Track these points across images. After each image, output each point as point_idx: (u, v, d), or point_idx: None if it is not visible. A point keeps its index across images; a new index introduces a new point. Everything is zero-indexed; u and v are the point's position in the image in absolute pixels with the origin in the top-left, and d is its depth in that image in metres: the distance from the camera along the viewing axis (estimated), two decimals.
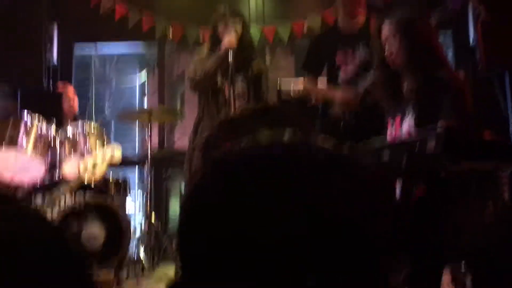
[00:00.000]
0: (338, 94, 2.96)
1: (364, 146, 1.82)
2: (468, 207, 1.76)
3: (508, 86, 4.33)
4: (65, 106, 4.26)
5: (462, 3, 2.63)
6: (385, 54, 2.28)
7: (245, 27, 3.31)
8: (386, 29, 2.29)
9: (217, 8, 3.35)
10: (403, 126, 2.19)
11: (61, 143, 3.54)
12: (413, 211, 1.77)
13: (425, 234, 1.81)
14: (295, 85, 4.34)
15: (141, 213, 5.53)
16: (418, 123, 2.09)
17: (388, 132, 2.28)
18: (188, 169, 3.29)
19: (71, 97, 4.40)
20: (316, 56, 3.23)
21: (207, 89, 3.25)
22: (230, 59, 3.06)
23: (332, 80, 3.12)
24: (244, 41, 3.24)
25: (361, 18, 3.10)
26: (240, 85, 3.28)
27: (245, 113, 0.96)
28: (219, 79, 3.22)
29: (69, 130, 3.64)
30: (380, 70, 2.36)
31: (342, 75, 3.05)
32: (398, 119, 2.24)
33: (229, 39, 3.10)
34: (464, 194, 1.72)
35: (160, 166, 5.07)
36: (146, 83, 6.05)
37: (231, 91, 3.12)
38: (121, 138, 5.97)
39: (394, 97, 2.29)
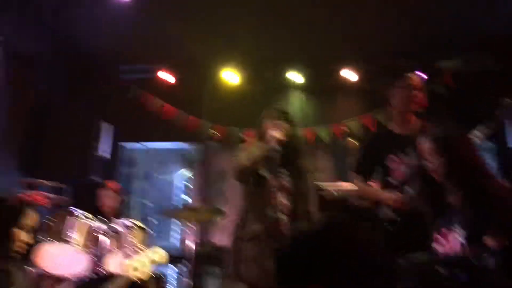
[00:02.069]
0: (389, 196, 2.96)
1: (415, 258, 1.81)
2: None
3: None
4: (111, 202, 4.40)
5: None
6: (426, 168, 2.32)
7: (292, 125, 3.46)
8: (425, 146, 2.35)
9: (264, 110, 3.55)
10: (452, 240, 2.16)
11: (107, 238, 3.61)
12: None
13: None
14: (336, 187, 4.40)
15: None
16: (468, 239, 2.07)
17: (437, 246, 2.25)
18: (234, 260, 3.27)
19: (117, 194, 4.53)
20: (367, 159, 3.24)
21: (251, 180, 3.32)
22: (277, 150, 3.17)
23: (383, 183, 3.12)
24: (291, 138, 3.38)
25: (413, 124, 3.15)
26: (285, 179, 3.36)
27: (323, 224, 1.02)
28: (264, 172, 3.30)
29: (115, 225, 3.74)
30: (422, 185, 2.39)
31: (393, 179, 3.05)
32: (446, 234, 2.22)
33: (277, 132, 3.24)
34: None
35: (199, 262, 5.04)
36: (188, 179, 6.20)
37: (276, 184, 3.20)
38: (159, 231, 6.03)
39: (438, 209, 2.29)
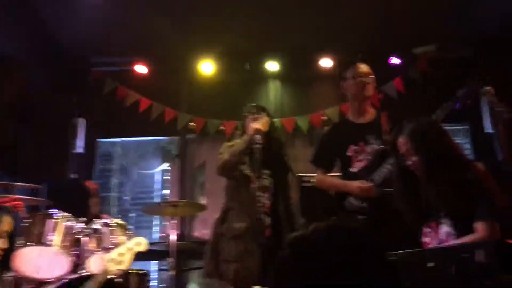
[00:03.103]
0: (354, 185, 2.98)
1: (406, 251, 1.82)
2: None
3: None
4: (91, 203, 4.35)
5: (468, 101, 2.73)
6: (406, 165, 2.33)
7: (272, 124, 3.46)
8: (402, 143, 2.36)
9: (245, 105, 3.54)
10: (441, 232, 2.18)
11: (87, 239, 3.55)
12: None
13: None
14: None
15: None
16: (456, 228, 2.09)
17: (426, 240, 2.27)
18: (212, 255, 3.25)
19: (96, 195, 4.48)
20: (327, 151, 3.28)
21: (233, 176, 3.30)
22: (257, 141, 3.15)
23: (345, 172, 3.16)
24: (272, 138, 3.38)
25: (370, 114, 3.20)
26: (266, 179, 3.35)
27: (316, 231, 1.00)
28: (247, 170, 3.29)
29: (95, 225, 3.67)
30: (402, 182, 2.40)
31: (354, 167, 3.09)
32: (433, 225, 2.24)
33: (256, 124, 3.23)
34: None
35: (180, 257, 5.00)
36: (166, 172, 6.13)
37: (258, 184, 3.19)
38: (140, 226, 5.98)
39: (422, 205, 2.31)
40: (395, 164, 2.46)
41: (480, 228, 2.05)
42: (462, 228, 2.10)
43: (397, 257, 1.80)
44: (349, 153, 3.10)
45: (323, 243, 0.92)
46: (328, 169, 3.26)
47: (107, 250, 3.56)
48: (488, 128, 4.94)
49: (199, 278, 5.27)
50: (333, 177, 3.26)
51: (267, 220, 3.21)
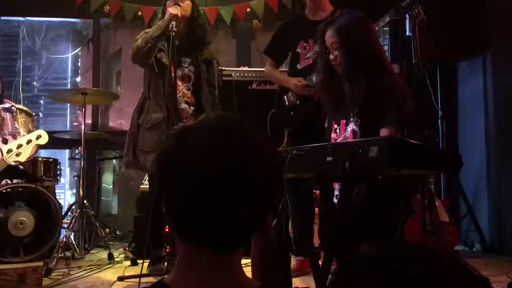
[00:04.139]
0: (292, 82, 3.01)
1: (310, 146, 1.85)
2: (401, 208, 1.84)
3: (439, 79, 4.63)
4: None
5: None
6: (330, 59, 2.31)
7: (195, 8, 3.26)
8: (328, 36, 2.31)
9: None
10: (347, 130, 2.23)
11: None
12: (351, 210, 1.82)
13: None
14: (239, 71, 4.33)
15: (71, 195, 5.33)
16: (362, 129, 2.14)
17: (333, 136, 2.32)
18: (131, 145, 3.21)
19: None
20: (279, 43, 3.26)
21: (149, 64, 3.15)
22: (173, 28, 2.98)
23: (292, 68, 3.18)
24: (195, 24, 3.21)
25: (326, 11, 3.12)
26: (187, 67, 3.24)
27: (203, 124, 0.92)
28: (164, 57, 3.15)
29: None
30: (324, 74, 2.40)
31: (300, 64, 3.10)
32: (342, 123, 2.28)
33: (172, 9, 3.04)
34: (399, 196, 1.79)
35: (93, 147, 4.90)
36: (79, 58, 5.76)
37: (178, 73, 3.08)
38: (50, 113, 5.72)
39: (337, 101, 2.33)
40: (321, 55, 2.43)
41: (383, 133, 2.12)
42: (368, 129, 2.16)
43: (299, 151, 1.83)
44: (298, 49, 3.10)
45: (205, 138, 0.83)
46: (278, 61, 3.31)
47: (9, 135, 3.38)
48: (408, 34, 5.01)
49: (114, 167, 5.22)
50: (281, 71, 3.32)
51: (189, 110, 3.18)
